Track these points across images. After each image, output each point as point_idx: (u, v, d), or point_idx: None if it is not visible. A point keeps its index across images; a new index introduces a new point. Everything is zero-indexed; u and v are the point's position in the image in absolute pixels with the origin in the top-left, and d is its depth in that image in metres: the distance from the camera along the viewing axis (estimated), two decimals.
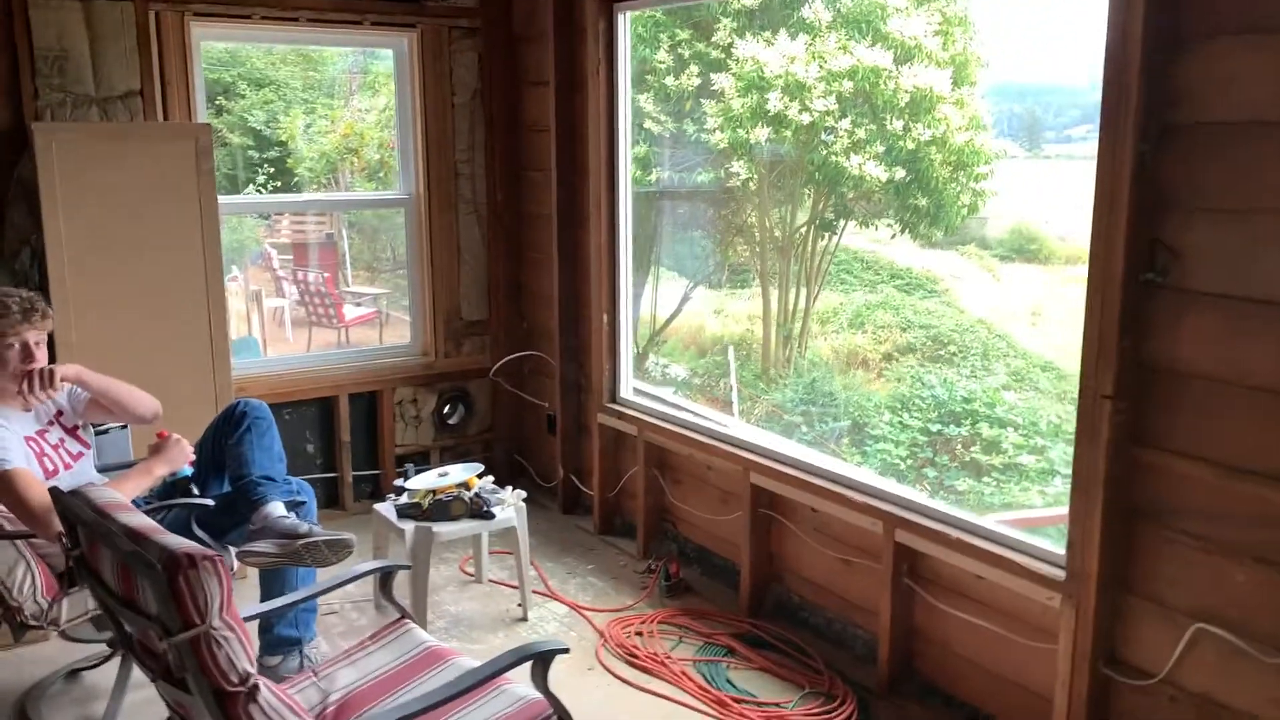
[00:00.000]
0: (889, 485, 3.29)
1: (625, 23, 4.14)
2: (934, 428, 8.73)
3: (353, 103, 10.70)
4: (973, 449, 8.33)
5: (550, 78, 4.46)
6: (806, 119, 8.88)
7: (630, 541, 4.42)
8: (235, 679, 1.87)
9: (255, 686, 1.90)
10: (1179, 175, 2.43)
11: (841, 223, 10.19)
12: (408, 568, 2.64)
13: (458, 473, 3.84)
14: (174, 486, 3.15)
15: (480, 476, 3.82)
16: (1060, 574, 2.73)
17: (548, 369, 4.84)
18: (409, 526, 3.62)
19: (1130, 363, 2.54)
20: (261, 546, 3.00)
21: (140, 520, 2.01)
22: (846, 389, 9.44)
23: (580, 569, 4.24)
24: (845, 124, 9.22)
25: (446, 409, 5.00)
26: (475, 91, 4.81)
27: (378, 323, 9.35)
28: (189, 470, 3.16)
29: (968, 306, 11.11)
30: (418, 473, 3.89)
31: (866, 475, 3.43)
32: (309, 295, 8.81)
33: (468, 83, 4.79)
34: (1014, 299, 11.56)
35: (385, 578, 2.78)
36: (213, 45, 6.99)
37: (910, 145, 9.57)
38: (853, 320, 10.33)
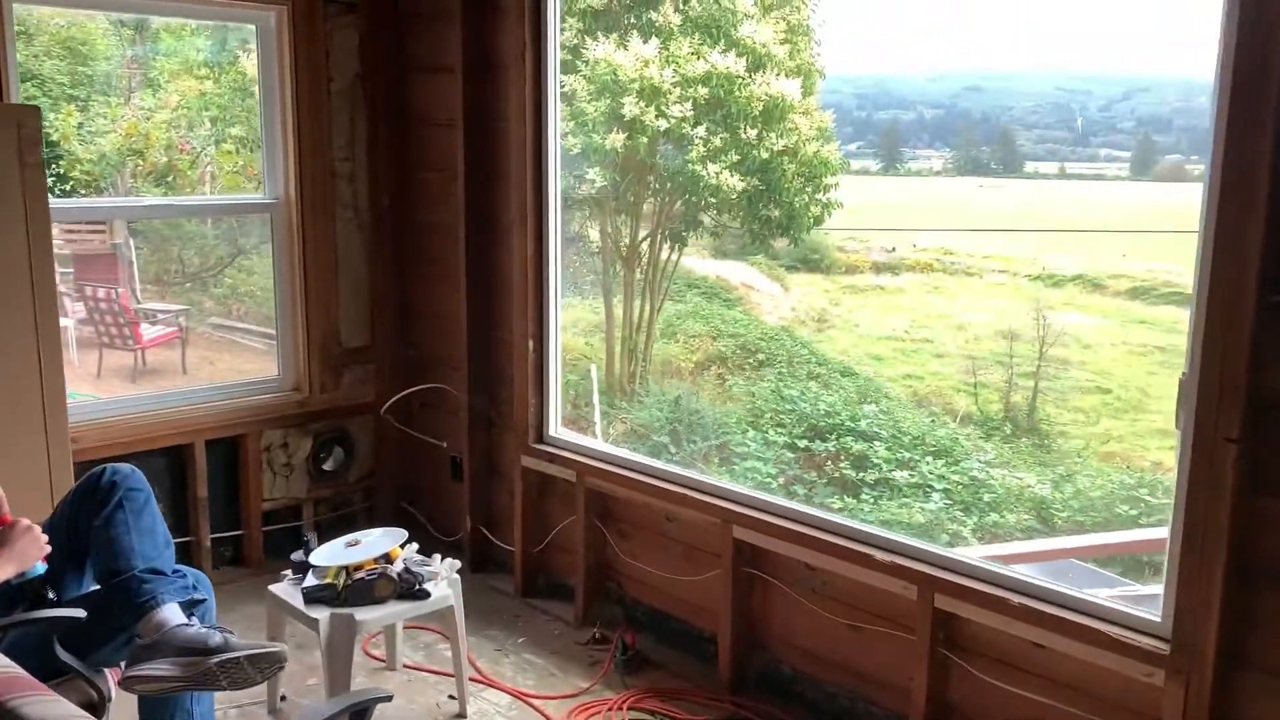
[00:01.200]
0: (915, 541, 2.83)
1: (553, 2, 3.53)
2: (800, 443, 8.51)
3: (134, 101, 9.65)
4: (842, 464, 8.14)
5: (456, 63, 3.79)
6: (663, 125, 8.45)
7: (563, 605, 3.80)
8: None
9: None
10: None
11: (688, 233, 9.88)
12: (387, 699, 1.99)
13: (374, 541, 3.12)
14: (20, 592, 2.31)
15: (404, 546, 3.11)
16: (1163, 646, 2.33)
17: (447, 403, 4.15)
18: (322, 615, 2.88)
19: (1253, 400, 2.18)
20: (158, 669, 2.23)
21: None
22: (709, 405, 9.10)
23: (509, 643, 3.59)
24: (701, 131, 8.87)
25: (322, 454, 4.22)
26: (356, 76, 4.07)
27: (180, 343, 8.29)
28: (42, 568, 2.33)
29: (765, 315, 11.27)
30: (320, 543, 3.15)
31: (878, 528, 2.95)
32: (99, 313, 7.66)
33: (347, 67, 4.04)
34: (802, 307, 11.80)
35: None
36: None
37: (764, 155, 9.37)
38: (664, 330, 10.10)
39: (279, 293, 4.09)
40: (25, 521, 2.30)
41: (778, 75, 8.93)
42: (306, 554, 3.10)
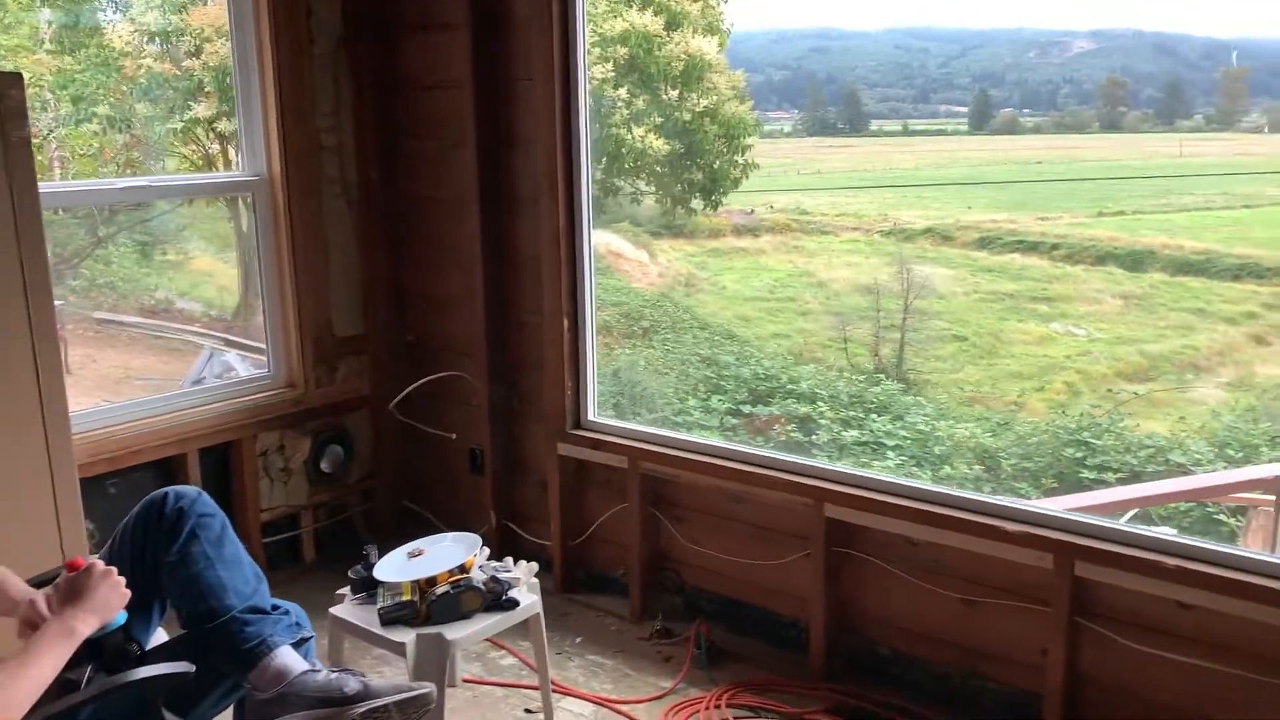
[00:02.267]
0: (1038, 504, 2.70)
1: None
2: (744, 408, 8.39)
3: None
4: (789, 427, 8.05)
5: (462, 19, 3.44)
6: None
7: (610, 599, 3.55)
8: None
9: None
10: None
11: (605, 200, 9.63)
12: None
13: (444, 550, 2.80)
14: (99, 646, 1.94)
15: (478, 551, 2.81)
16: None
17: (456, 392, 3.82)
18: (407, 637, 2.56)
19: None
20: None
21: None
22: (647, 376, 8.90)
23: (567, 644, 3.33)
24: (623, 93, 8.59)
25: (319, 455, 3.83)
26: (339, 39, 3.67)
27: (60, 341, 7.56)
28: (123, 617, 1.95)
29: (634, 282, 11.27)
30: (381, 555, 2.82)
31: (1002, 498, 2.80)
32: None
33: (330, 26, 3.64)
34: (670, 273, 11.86)
35: None
36: None
37: (686, 116, 9.15)
38: None
39: (266, 281, 3.67)
40: (100, 564, 1.93)
41: (694, 33, 8.74)
42: (368, 569, 2.76)
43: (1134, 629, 2.59)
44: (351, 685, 1.95)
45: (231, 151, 8.34)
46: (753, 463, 3.13)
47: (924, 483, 2.90)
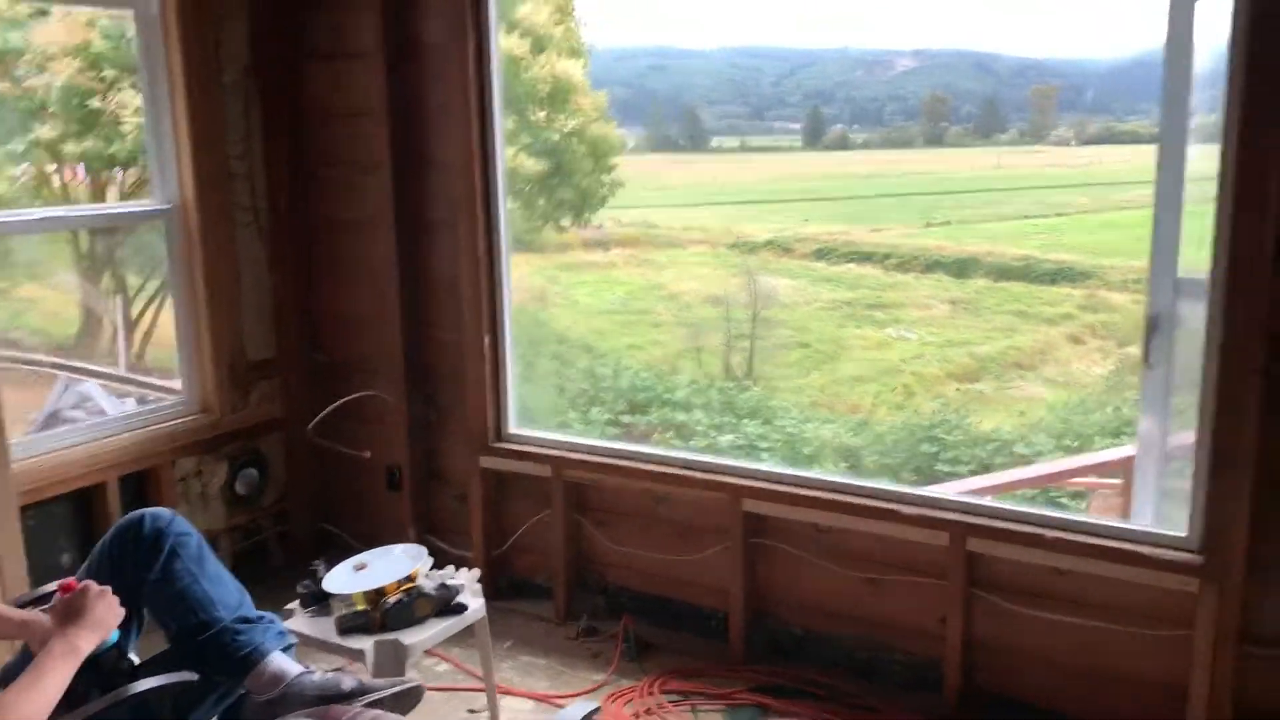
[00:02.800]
0: (932, 489, 3.03)
1: None
2: (623, 418, 8.61)
3: None
4: (668, 435, 8.32)
5: (374, 49, 3.57)
6: None
7: (534, 603, 3.72)
8: None
9: None
10: None
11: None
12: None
13: (392, 562, 2.93)
14: (95, 664, 2.02)
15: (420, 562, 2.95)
16: (1195, 558, 2.65)
17: (370, 411, 3.92)
18: (366, 644, 2.69)
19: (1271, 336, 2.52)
20: None
21: None
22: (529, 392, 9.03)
23: (500, 648, 3.48)
24: None
25: (235, 478, 3.87)
26: (247, 68, 3.74)
27: None
28: (117, 635, 2.04)
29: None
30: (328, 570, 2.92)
31: (894, 484, 3.12)
32: None
33: (238, 56, 3.71)
34: (522, 287, 12.25)
35: None
36: None
37: (554, 136, 9.32)
38: None
39: (179, 308, 3.70)
40: (94, 585, 2.02)
41: (559, 56, 8.94)
42: (317, 584, 2.87)
43: (1019, 595, 2.94)
44: (348, 682, 2.09)
45: (81, 173, 8.08)
46: (674, 464, 3.37)
47: (830, 474, 3.18)
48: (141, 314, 8.46)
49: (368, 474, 4.00)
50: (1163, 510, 3.15)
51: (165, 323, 8.56)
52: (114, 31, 6.85)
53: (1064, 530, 2.82)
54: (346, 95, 3.72)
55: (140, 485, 3.60)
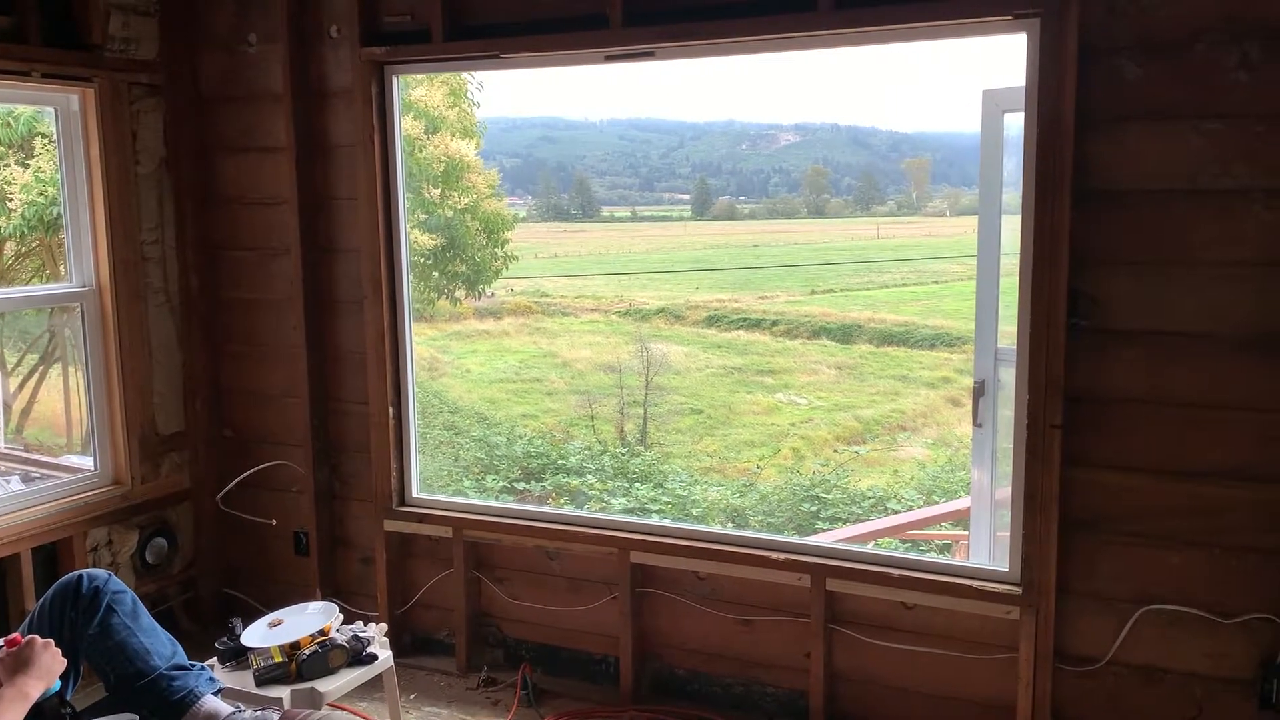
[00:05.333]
0: (796, 538, 3.41)
1: (396, 86, 3.77)
2: (518, 485, 8.83)
3: None
4: (562, 500, 8.58)
5: (285, 145, 3.88)
6: None
7: (436, 659, 3.97)
8: None
9: None
10: (1092, 234, 2.92)
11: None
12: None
13: (306, 617, 3.18)
14: (40, 711, 2.24)
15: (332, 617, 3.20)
16: (1015, 589, 3.07)
17: (276, 481, 4.16)
18: (284, 693, 2.92)
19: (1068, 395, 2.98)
20: None
21: None
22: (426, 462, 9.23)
23: (404, 701, 3.71)
24: None
25: (145, 548, 4.04)
26: (162, 160, 4.00)
27: None
28: (59, 684, 2.27)
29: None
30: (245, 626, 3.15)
31: (765, 533, 3.49)
32: None
33: (153, 149, 3.97)
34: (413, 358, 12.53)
35: None
36: None
37: (448, 212, 9.60)
38: None
39: (93, 384, 3.89)
40: (38, 638, 2.25)
41: (452, 137, 9.27)
42: (234, 640, 3.09)
43: (872, 628, 3.33)
44: (273, 718, 2.33)
45: None
46: (568, 522, 3.68)
47: (710, 526, 3.54)
48: (19, 391, 8.44)
49: (274, 541, 4.21)
50: (995, 551, 3.59)
51: (46, 399, 8.54)
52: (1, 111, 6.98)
53: (909, 569, 3.22)
54: (258, 185, 4.01)
55: (53, 556, 3.75)
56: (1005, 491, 3.56)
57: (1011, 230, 3.42)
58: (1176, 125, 2.80)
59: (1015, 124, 3.35)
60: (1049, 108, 2.86)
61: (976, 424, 3.54)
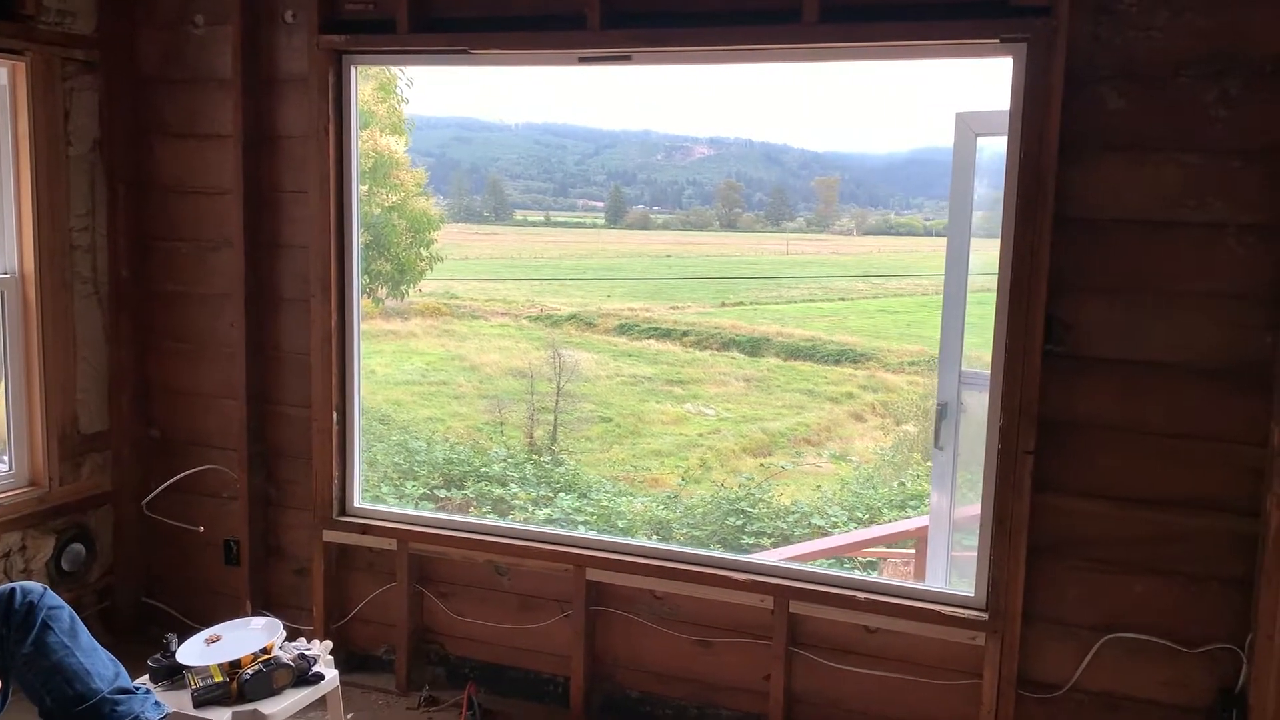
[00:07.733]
0: (760, 556, 3.35)
1: (354, 76, 3.61)
2: (439, 492, 8.60)
3: None
4: (484, 509, 8.39)
5: (230, 132, 3.68)
6: None
7: (374, 676, 3.80)
8: None
9: None
10: (1067, 260, 2.92)
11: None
12: None
13: (247, 634, 2.99)
14: None
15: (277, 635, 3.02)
16: (981, 615, 3.06)
17: (205, 486, 3.94)
18: (223, 716, 2.74)
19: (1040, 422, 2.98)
20: None
21: None
22: None
23: None
24: None
25: (61, 554, 3.79)
26: (95, 142, 3.76)
27: None
28: None
29: None
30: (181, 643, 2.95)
31: (726, 553, 3.43)
32: None
33: (87, 130, 3.72)
34: None
35: None
36: None
37: (375, 210, 9.31)
38: None
39: (11, 378, 3.63)
40: None
41: (381, 132, 9.01)
42: (169, 657, 2.89)
43: (834, 652, 3.28)
44: None
45: None
46: (521, 536, 3.55)
47: (669, 544, 3.45)
48: None
49: (201, 549, 3.99)
50: (951, 574, 3.59)
51: None
52: None
53: (874, 592, 3.18)
54: (199, 174, 3.80)
55: None
56: (963, 511, 3.56)
57: (979, 253, 3.43)
58: (1156, 156, 2.82)
59: (988, 147, 3.36)
60: (1033, 133, 2.86)
61: (938, 446, 3.53)
